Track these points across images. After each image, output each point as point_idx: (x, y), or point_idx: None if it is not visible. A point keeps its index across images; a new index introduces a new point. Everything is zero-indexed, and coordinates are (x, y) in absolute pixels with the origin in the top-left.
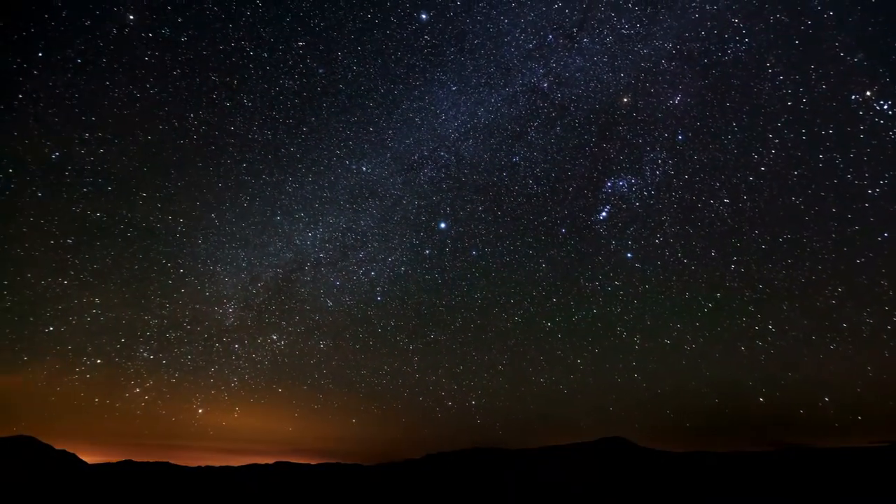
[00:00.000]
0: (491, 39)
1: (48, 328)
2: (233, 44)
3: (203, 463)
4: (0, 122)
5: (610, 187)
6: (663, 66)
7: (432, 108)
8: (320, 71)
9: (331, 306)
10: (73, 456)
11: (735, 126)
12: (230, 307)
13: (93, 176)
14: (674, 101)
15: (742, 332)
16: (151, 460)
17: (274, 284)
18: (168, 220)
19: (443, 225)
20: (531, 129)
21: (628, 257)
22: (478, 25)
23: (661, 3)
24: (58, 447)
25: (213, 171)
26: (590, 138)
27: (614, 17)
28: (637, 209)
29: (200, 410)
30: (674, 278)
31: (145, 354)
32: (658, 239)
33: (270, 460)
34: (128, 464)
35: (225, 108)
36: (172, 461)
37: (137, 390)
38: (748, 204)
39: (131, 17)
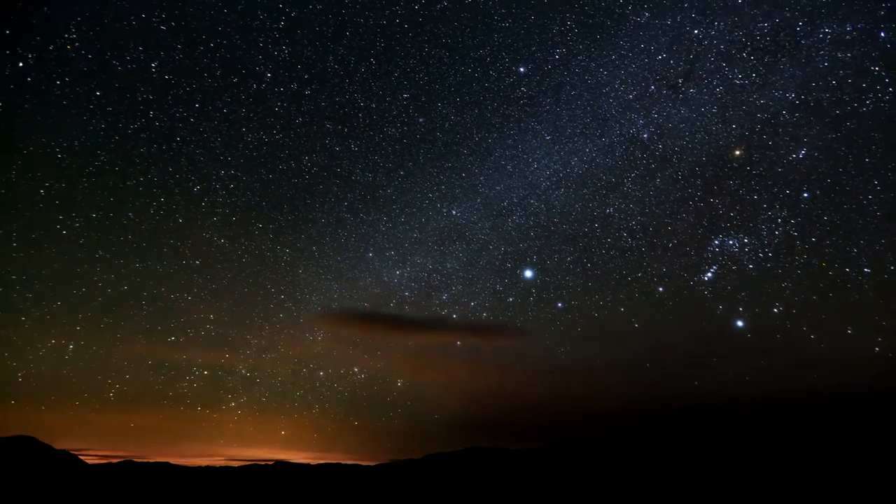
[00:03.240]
0: (588, 91)
1: (170, 338)
2: (347, 96)
3: (203, 463)
4: (161, 160)
5: (717, 246)
6: (784, 117)
7: (525, 156)
8: (420, 120)
9: (411, 345)
10: (73, 456)
11: (877, 185)
12: (319, 336)
13: (222, 207)
14: (797, 155)
15: None
16: (151, 460)
17: (360, 318)
18: (276, 250)
19: (528, 273)
20: (628, 180)
21: (739, 326)
22: (575, 77)
23: (782, 51)
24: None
25: (318, 208)
26: (694, 192)
27: (725, 67)
28: (751, 272)
29: (283, 432)
30: (797, 355)
31: (243, 371)
32: (777, 308)
33: (270, 460)
34: (128, 464)
35: (335, 152)
36: (172, 461)
37: (233, 404)
38: None
39: (269, 75)
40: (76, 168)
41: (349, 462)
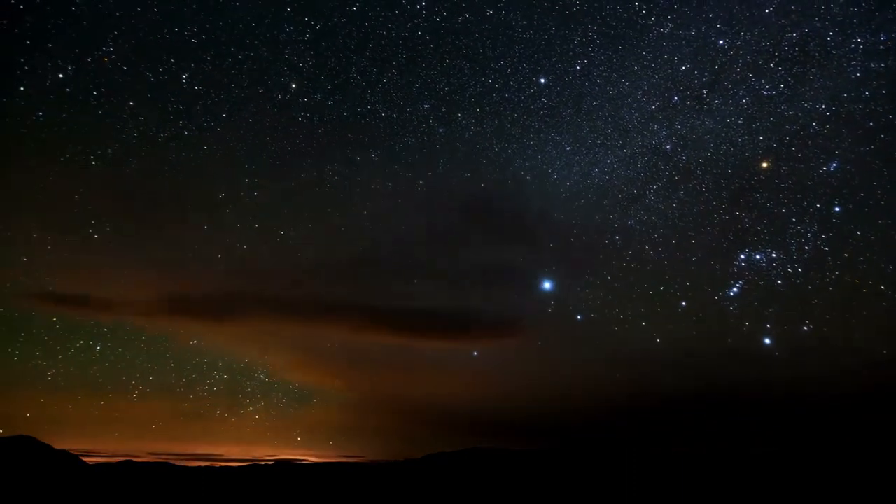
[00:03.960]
0: (610, 101)
1: (193, 340)
2: (368, 106)
3: (204, 463)
4: (188, 168)
5: (744, 260)
6: (814, 128)
7: (544, 167)
8: (440, 130)
9: (428, 353)
10: (74, 456)
11: None
12: (338, 343)
13: (245, 214)
14: (828, 168)
15: None
16: (151, 460)
17: (379, 326)
18: (297, 257)
19: (547, 285)
20: (650, 192)
21: (766, 343)
22: (596, 88)
23: (811, 62)
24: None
25: (339, 216)
26: (719, 205)
27: (752, 77)
28: (779, 288)
29: (299, 438)
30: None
31: (262, 377)
32: (807, 326)
33: (270, 460)
34: (128, 464)
35: (356, 161)
36: (172, 461)
37: (251, 409)
38: None
39: (293, 85)
40: (109, 175)
41: (349, 461)
